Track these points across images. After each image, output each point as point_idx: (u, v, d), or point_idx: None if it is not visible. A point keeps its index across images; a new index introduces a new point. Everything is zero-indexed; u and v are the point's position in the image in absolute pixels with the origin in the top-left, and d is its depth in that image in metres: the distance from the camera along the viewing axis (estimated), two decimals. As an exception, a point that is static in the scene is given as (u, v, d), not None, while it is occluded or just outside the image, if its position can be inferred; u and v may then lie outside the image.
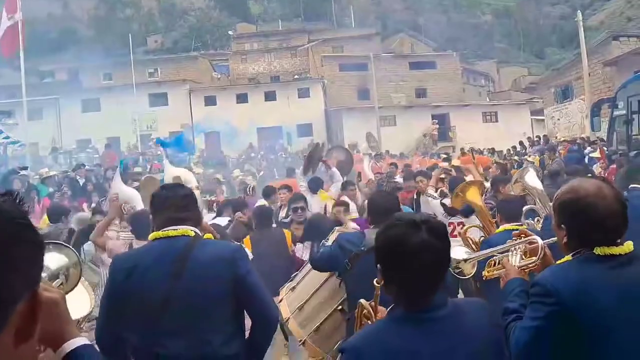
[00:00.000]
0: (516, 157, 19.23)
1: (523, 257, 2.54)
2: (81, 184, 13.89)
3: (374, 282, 2.23)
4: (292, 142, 36.49)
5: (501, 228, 4.43)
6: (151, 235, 2.94)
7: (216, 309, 2.80)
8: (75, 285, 1.76)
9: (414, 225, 1.87)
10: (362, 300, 2.26)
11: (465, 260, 3.40)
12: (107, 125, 35.45)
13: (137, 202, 8.15)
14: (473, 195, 5.59)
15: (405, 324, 1.87)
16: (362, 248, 3.58)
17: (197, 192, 8.21)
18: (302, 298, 3.91)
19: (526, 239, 2.60)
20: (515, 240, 2.64)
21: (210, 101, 39.79)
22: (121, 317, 2.78)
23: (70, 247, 1.79)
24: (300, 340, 3.87)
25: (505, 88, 52.83)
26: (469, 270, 3.68)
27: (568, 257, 2.18)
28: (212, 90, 41.19)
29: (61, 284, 1.62)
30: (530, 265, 2.50)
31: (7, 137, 17.68)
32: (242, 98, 39.84)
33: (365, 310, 2.30)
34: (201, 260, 2.78)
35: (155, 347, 2.73)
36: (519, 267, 2.49)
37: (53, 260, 1.71)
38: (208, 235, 3.19)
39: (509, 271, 2.46)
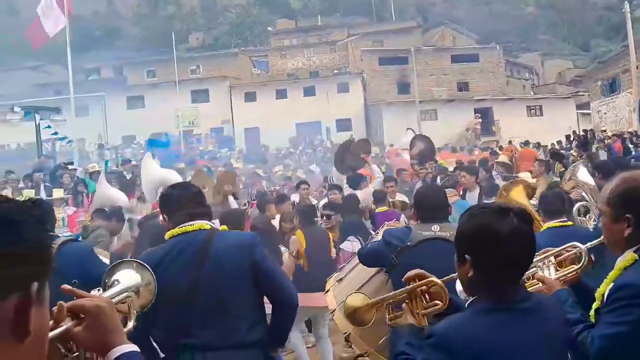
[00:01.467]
0: (562, 152, 18.79)
1: (557, 268, 2.46)
2: (128, 178, 14.21)
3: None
4: (331, 137, 36.49)
5: (545, 226, 4.30)
6: (168, 234, 3.06)
7: (240, 296, 2.91)
8: (148, 304, 1.86)
9: (502, 212, 1.87)
10: (435, 279, 2.21)
11: None
12: (150, 121, 36.19)
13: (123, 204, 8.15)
14: (518, 195, 5.48)
15: (492, 314, 1.84)
16: (409, 243, 3.55)
17: None
18: (348, 291, 3.88)
19: (555, 250, 2.50)
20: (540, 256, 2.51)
21: (250, 97, 40.14)
22: (148, 315, 2.85)
23: (150, 270, 1.91)
24: (346, 333, 3.86)
25: (550, 81, 51.61)
26: None
27: (634, 255, 2.10)
28: (252, 86, 41.54)
29: (128, 297, 1.71)
30: (570, 275, 2.41)
31: (56, 133, 18.15)
32: (281, 94, 40.05)
33: (434, 288, 2.22)
34: (221, 251, 2.93)
35: (185, 338, 2.82)
36: (557, 279, 2.41)
37: (127, 277, 1.81)
38: (223, 227, 3.32)
39: (551, 285, 2.39)
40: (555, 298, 2.30)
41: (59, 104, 20.89)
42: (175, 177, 8.76)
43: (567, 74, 50.60)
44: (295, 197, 8.59)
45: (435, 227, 3.55)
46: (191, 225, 3.01)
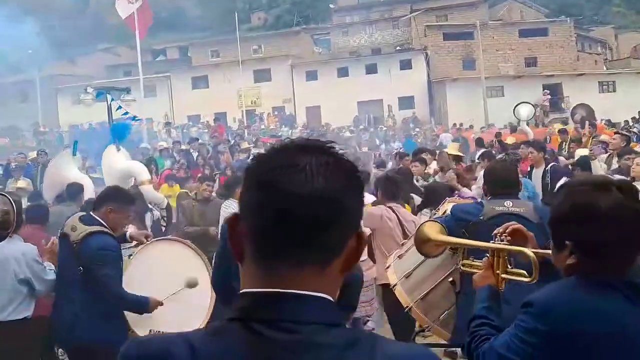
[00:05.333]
0: (635, 129, 17.93)
1: None
2: (195, 156, 14.70)
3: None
4: (393, 116, 36.16)
5: None
6: None
7: None
8: None
9: (603, 186, 1.69)
10: (529, 251, 2.08)
11: None
12: (214, 101, 36.94)
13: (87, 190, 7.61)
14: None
15: (604, 291, 1.65)
16: (481, 217, 3.52)
17: (149, 187, 8.10)
18: (409, 266, 3.92)
19: None
20: None
21: (311, 76, 40.17)
22: (229, 268, 3.06)
23: None
24: (407, 307, 3.89)
25: (624, 55, 49.03)
26: None
27: None
28: (314, 65, 41.51)
29: None
30: None
31: (126, 113, 18.81)
32: (342, 72, 39.86)
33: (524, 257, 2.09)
34: None
35: None
36: None
37: None
38: None
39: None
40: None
41: (128, 84, 21.59)
42: (139, 171, 8.28)
43: (644, 48, 47.97)
44: None
45: (508, 203, 3.53)
46: None
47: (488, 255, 2.18)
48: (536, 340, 1.66)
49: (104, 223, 4.15)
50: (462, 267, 2.43)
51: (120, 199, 4.32)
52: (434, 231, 2.66)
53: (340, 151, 1.07)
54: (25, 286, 4.49)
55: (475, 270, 2.29)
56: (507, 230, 2.17)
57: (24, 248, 4.55)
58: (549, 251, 1.99)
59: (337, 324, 1.01)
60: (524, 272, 2.11)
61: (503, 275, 2.12)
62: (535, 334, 1.66)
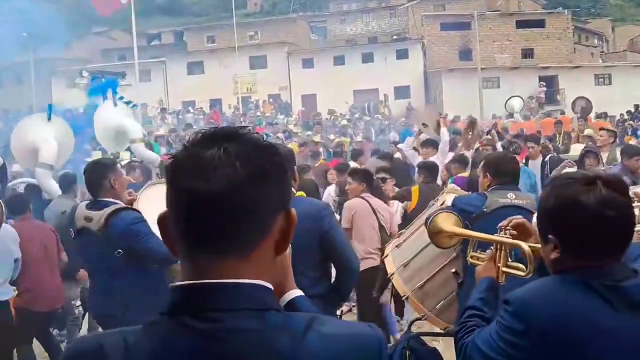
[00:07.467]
0: (631, 122, 17.99)
1: None
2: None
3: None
4: (389, 105, 36.11)
5: None
6: None
7: (302, 257, 3.14)
8: None
9: (588, 182, 1.62)
10: (524, 244, 2.04)
11: None
12: (209, 87, 36.74)
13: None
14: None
15: (588, 291, 1.59)
16: (485, 209, 3.52)
17: (140, 145, 7.99)
18: (407, 255, 3.93)
19: None
20: None
21: (307, 63, 40.00)
22: None
23: None
24: (404, 296, 3.91)
25: (621, 48, 49.09)
26: None
27: None
28: (310, 53, 41.36)
29: None
30: None
31: (122, 98, 18.68)
32: (339, 60, 39.71)
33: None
34: None
35: None
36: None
37: None
38: (300, 193, 3.55)
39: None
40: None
41: (123, 69, 21.43)
42: (133, 127, 8.40)
43: (640, 41, 48.05)
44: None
45: (511, 195, 3.57)
46: None
47: (492, 247, 2.18)
48: (513, 339, 1.62)
49: (113, 200, 3.86)
50: (470, 260, 2.42)
51: (113, 167, 4.07)
52: (448, 223, 2.65)
53: (255, 135, 1.07)
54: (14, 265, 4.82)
55: (480, 263, 2.29)
56: (511, 224, 2.15)
57: (13, 230, 4.91)
58: None
59: (267, 308, 1.03)
60: (522, 266, 2.10)
61: (503, 269, 2.12)
62: (512, 333, 1.62)
